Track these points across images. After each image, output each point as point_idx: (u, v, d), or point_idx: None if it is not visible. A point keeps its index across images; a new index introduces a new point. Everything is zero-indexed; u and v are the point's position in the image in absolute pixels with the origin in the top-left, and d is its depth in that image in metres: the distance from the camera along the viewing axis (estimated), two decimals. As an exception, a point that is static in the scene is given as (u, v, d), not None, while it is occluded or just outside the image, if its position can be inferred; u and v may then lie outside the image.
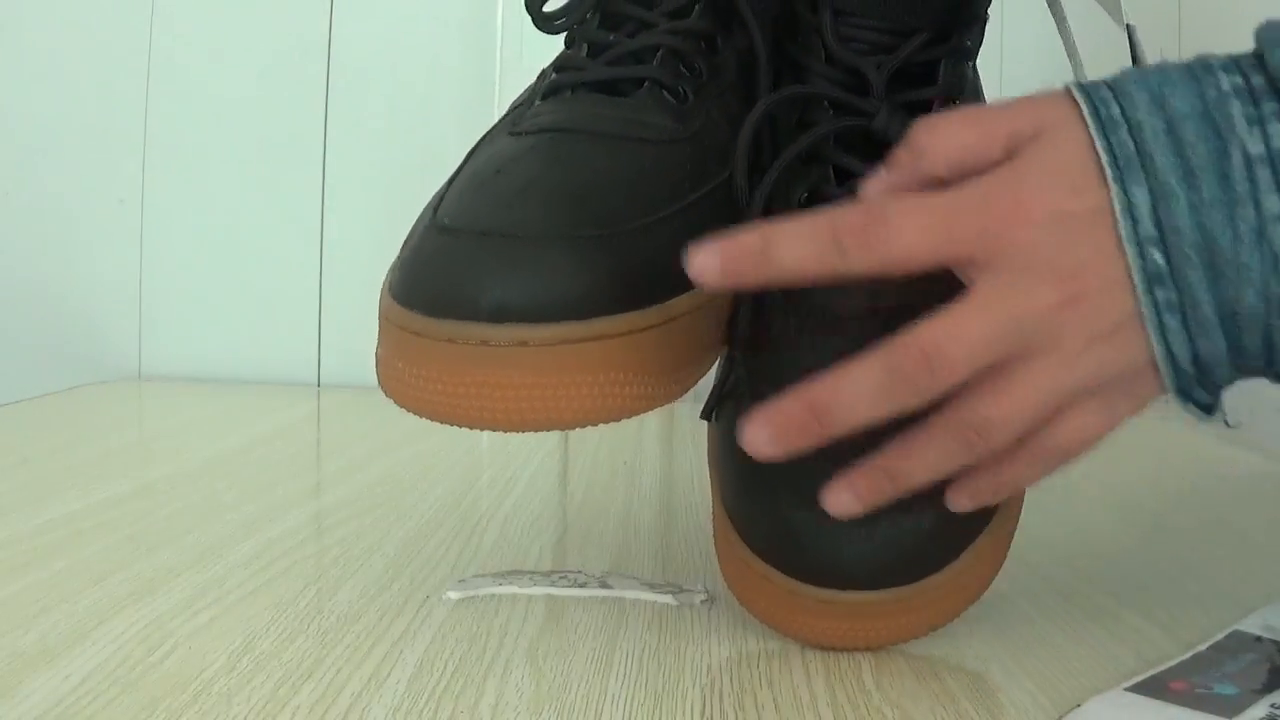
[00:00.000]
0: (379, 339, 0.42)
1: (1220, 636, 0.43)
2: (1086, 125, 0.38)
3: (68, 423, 0.91)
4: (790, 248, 0.38)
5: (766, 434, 0.38)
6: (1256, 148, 0.36)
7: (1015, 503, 0.45)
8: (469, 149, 0.47)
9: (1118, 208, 0.37)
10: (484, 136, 0.47)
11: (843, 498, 0.39)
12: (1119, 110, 0.38)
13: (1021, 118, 0.39)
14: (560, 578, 0.50)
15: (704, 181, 0.45)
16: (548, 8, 0.49)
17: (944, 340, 0.37)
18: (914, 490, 0.39)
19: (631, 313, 0.40)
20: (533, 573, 0.51)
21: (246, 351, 1.12)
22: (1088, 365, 0.38)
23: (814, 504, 0.40)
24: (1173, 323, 0.37)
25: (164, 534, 0.56)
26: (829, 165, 0.46)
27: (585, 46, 0.47)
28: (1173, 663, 0.41)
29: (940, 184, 0.39)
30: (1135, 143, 0.37)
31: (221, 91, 1.12)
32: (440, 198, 0.43)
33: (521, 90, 0.50)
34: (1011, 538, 0.45)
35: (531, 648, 0.42)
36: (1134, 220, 0.37)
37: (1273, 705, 0.37)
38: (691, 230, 0.40)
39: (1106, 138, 0.37)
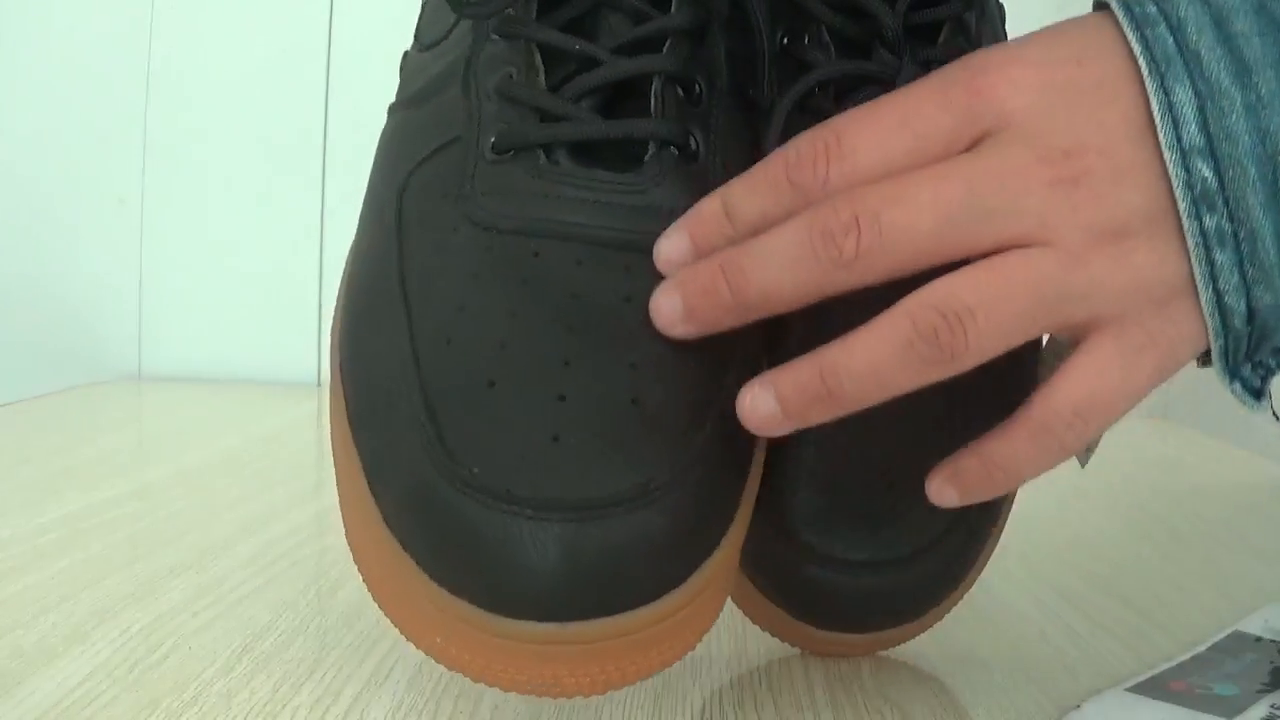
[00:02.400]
0: (370, 557, 0.33)
1: (1220, 636, 0.43)
2: (1114, 20, 0.32)
3: (68, 423, 0.91)
4: (747, 197, 0.33)
5: (671, 303, 0.32)
6: None
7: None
8: (393, 175, 0.38)
9: (1157, 110, 0.31)
10: (412, 171, 0.37)
11: (762, 401, 0.32)
12: (1154, 9, 0.31)
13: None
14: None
15: None
16: None
17: (882, 202, 0.31)
18: (858, 409, 0.32)
19: (720, 548, 0.32)
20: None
21: (246, 351, 1.12)
22: (1094, 270, 0.31)
23: (817, 558, 0.37)
24: (1224, 259, 0.31)
25: (164, 534, 0.56)
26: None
27: (536, 55, 0.36)
28: (1173, 663, 0.41)
29: None
30: (1176, 40, 0.31)
31: (221, 92, 1.11)
32: (409, 336, 0.33)
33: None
34: (999, 535, 0.42)
35: (531, 648, 0.42)
36: (1175, 123, 0.30)
37: (1273, 706, 0.37)
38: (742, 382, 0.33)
39: (1140, 32, 0.31)
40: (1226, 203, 0.30)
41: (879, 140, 0.32)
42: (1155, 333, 0.31)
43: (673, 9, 0.37)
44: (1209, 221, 0.30)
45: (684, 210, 0.35)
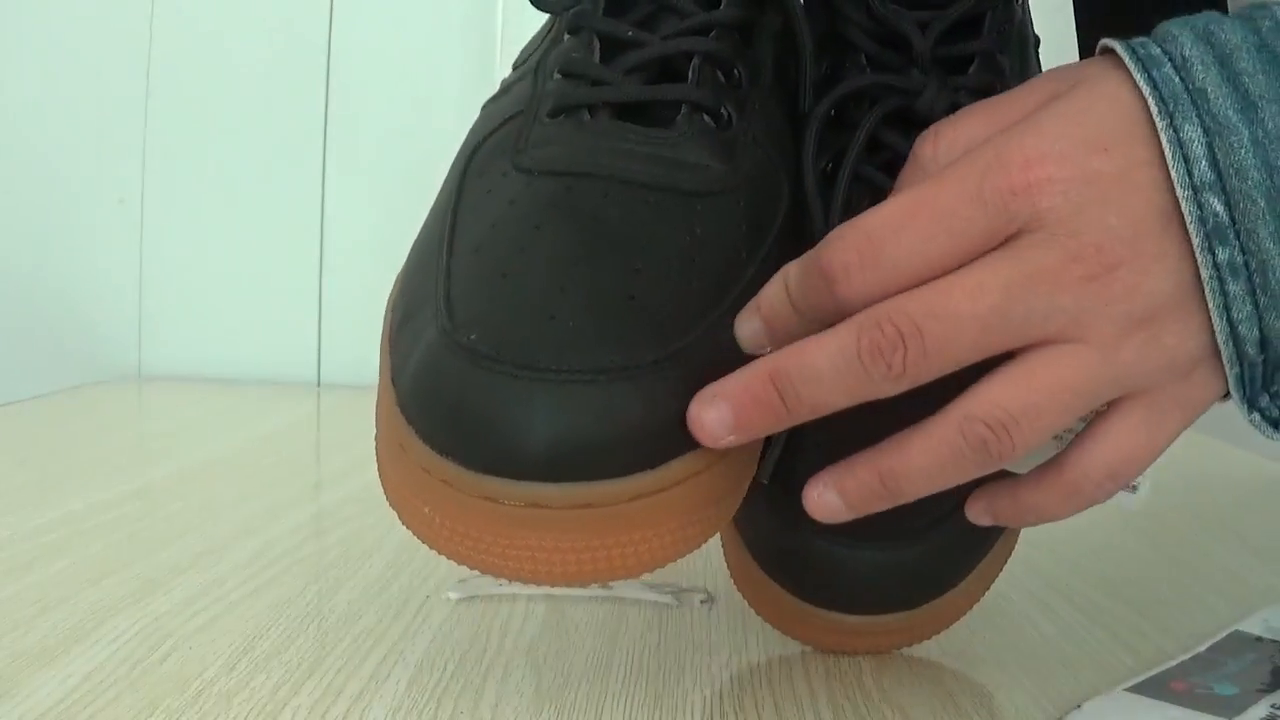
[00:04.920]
0: (384, 449, 0.35)
1: (1220, 636, 0.43)
2: (1125, 69, 0.33)
3: (68, 423, 0.91)
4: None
5: (719, 415, 0.33)
6: None
7: None
8: (466, 150, 0.41)
9: (1168, 150, 0.32)
10: (481, 142, 0.40)
11: (827, 498, 0.35)
12: (1159, 50, 0.33)
13: (1040, 90, 0.35)
14: (560, 578, 0.50)
15: (758, 247, 0.38)
16: None
17: (924, 317, 0.32)
18: (911, 501, 0.35)
19: (699, 451, 0.34)
20: (533, 573, 0.51)
21: (246, 351, 1.12)
22: (1125, 357, 0.32)
23: (821, 529, 0.38)
24: (1237, 290, 0.32)
25: (164, 534, 0.56)
26: (859, 132, 0.41)
27: (596, 42, 0.40)
28: (1173, 663, 0.41)
29: None
30: (1182, 78, 0.32)
31: (221, 91, 1.12)
32: (445, 257, 0.36)
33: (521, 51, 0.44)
34: (1012, 550, 0.44)
35: (531, 648, 0.42)
36: (1186, 160, 0.32)
37: (1273, 705, 0.37)
38: None
39: (1148, 72, 0.32)
40: (1238, 235, 0.31)
41: (915, 246, 0.32)
42: (1180, 396, 0.34)
43: (721, 7, 0.40)
44: (1221, 255, 0.32)
45: (697, 164, 0.38)
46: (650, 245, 0.35)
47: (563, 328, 0.32)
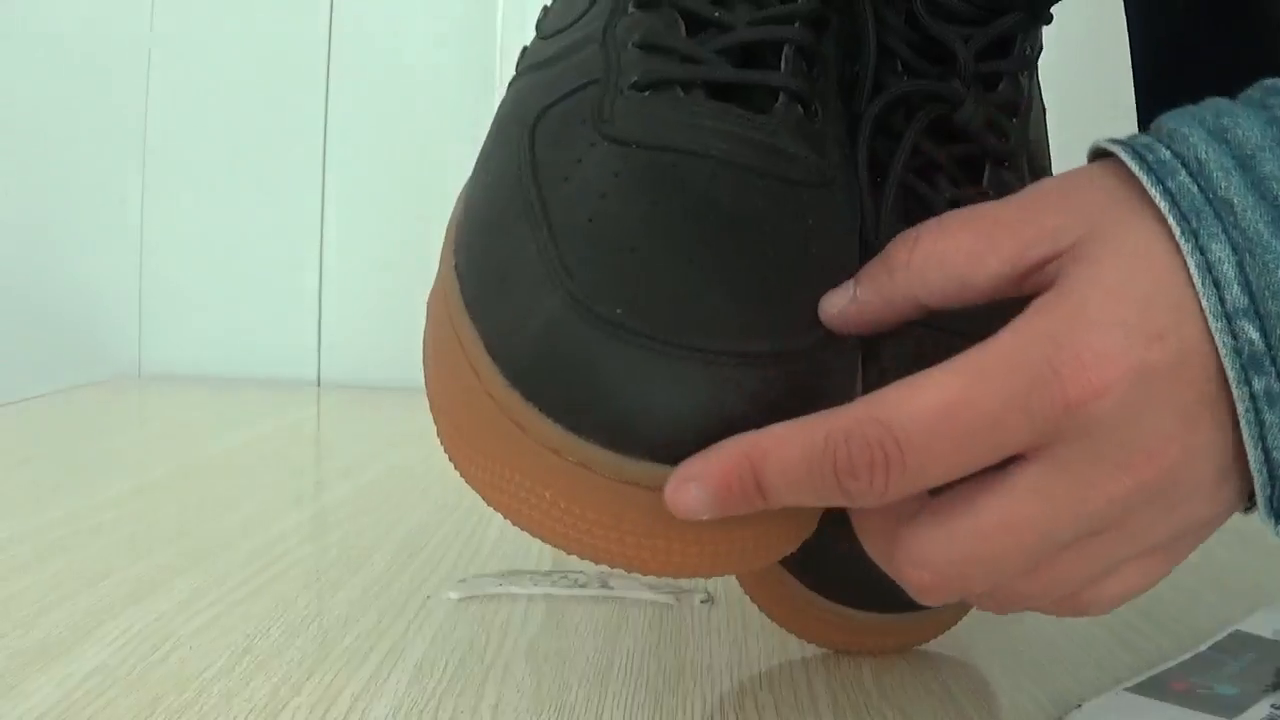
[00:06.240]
0: (482, 427, 0.33)
1: (1221, 636, 0.43)
2: (1146, 199, 0.29)
3: (68, 423, 0.91)
4: (786, 486, 0.30)
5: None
6: None
7: None
8: (525, 116, 0.38)
9: (1195, 274, 0.28)
10: (545, 110, 0.38)
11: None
12: (1167, 153, 0.30)
13: (1041, 215, 0.31)
14: (560, 578, 0.50)
15: (854, 243, 0.37)
16: None
17: (963, 563, 0.30)
18: None
19: None
20: (533, 573, 0.51)
21: (246, 351, 1.12)
22: (1154, 537, 0.31)
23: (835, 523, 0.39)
24: (1273, 419, 0.29)
25: (164, 534, 0.56)
26: (905, 138, 0.41)
27: (679, 19, 0.38)
28: (1173, 663, 0.41)
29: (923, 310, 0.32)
30: (1201, 187, 0.29)
31: (221, 91, 1.12)
32: (544, 223, 0.34)
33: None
34: None
35: (531, 648, 0.42)
36: (1216, 285, 0.28)
37: (1274, 705, 0.37)
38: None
39: (1162, 184, 0.29)
40: (1274, 362, 0.29)
41: (946, 455, 0.29)
42: (1191, 546, 0.32)
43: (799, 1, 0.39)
44: (1258, 385, 0.29)
45: (795, 154, 0.36)
46: (771, 231, 0.34)
47: (708, 308, 0.31)
